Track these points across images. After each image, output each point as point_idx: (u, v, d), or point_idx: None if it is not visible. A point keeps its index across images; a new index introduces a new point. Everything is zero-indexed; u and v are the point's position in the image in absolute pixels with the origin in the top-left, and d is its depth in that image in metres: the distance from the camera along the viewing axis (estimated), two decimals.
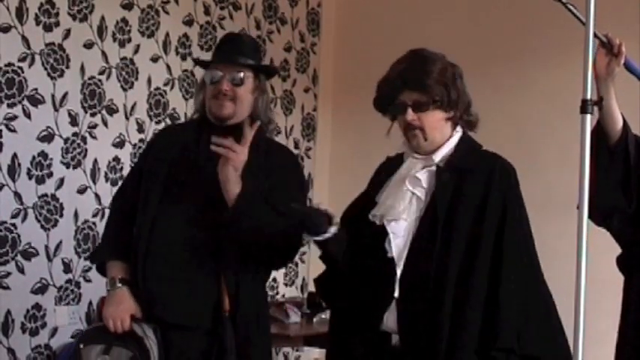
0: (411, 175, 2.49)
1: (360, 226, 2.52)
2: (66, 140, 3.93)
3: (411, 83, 2.43)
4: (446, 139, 2.50)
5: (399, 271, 2.41)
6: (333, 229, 2.43)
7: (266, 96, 2.85)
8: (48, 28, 3.84)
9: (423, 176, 2.47)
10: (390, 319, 2.43)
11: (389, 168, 2.59)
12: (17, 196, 3.74)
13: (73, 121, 3.96)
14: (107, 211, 4.06)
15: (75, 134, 3.97)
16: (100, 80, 4.07)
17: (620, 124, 2.57)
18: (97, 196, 4.08)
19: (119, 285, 2.73)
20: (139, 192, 2.79)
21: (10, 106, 3.70)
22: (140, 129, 4.28)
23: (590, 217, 2.15)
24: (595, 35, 2.30)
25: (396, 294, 2.40)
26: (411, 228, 2.44)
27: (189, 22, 4.53)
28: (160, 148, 2.86)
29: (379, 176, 2.62)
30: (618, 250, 2.76)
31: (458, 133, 2.52)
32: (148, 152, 2.91)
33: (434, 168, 2.47)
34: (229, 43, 2.84)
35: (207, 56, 4.58)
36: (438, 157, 2.48)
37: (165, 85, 4.41)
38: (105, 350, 2.67)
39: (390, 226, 2.44)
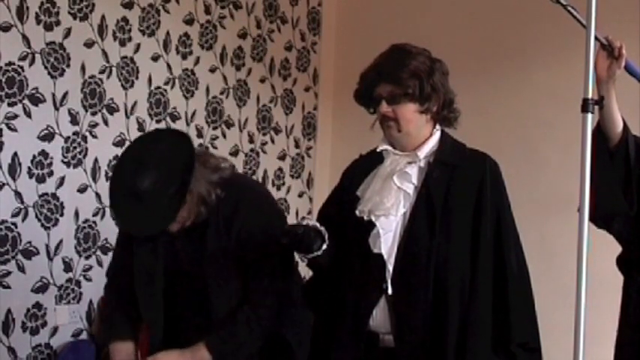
0: (398, 170, 2.49)
1: (341, 222, 2.52)
2: (66, 139, 3.93)
3: (386, 76, 2.48)
4: (423, 134, 2.53)
5: (390, 267, 2.41)
6: (324, 246, 2.43)
7: (204, 188, 2.64)
8: (48, 27, 3.84)
9: (413, 171, 2.48)
10: (379, 317, 2.43)
11: (365, 165, 2.61)
12: (18, 195, 3.74)
13: (74, 120, 3.96)
14: (108, 210, 4.07)
15: (75, 133, 3.97)
16: (100, 79, 4.07)
17: (620, 126, 2.57)
18: (97, 195, 4.08)
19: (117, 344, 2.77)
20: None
21: (10, 105, 3.70)
22: (141, 128, 4.27)
23: (590, 219, 2.15)
24: (595, 38, 2.30)
25: (390, 291, 2.41)
26: (399, 223, 2.45)
27: (189, 21, 4.53)
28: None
29: (354, 173, 2.63)
30: (618, 250, 2.76)
31: (438, 130, 2.56)
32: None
33: (422, 164, 2.49)
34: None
35: (207, 55, 4.60)
36: (422, 153, 2.50)
37: (166, 84, 4.41)
38: None
39: (379, 221, 2.44)
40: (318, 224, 2.43)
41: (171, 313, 2.77)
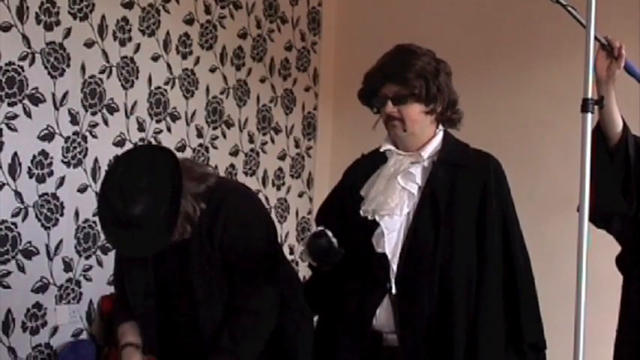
0: (402, 170, 2.49)
1: (343, 221, 2.52)
2: (66, 139, 3.93)
3: (392, 76, 2.47)
4: (427, 134, 2.53)
5: (394, 267, 2.41)
6: (336, 260, 2.41)
7: (190, 205, 2.64)
8: (48, 27, 3.84)
9: (417, 171, 2.48)
10: (382, 317, 2.43)
11: (368, 164, 2.60)
12: (18, 195, 3.75)
13: (74, 119, 3.96)
14: None
15: (75, 133, 3.97)
16: (100, 79, 4.07)
17: (620, 126, 2.57)
18: (97, 195, 4.07)
19: (127, 349, 2.78)
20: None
21: (10, 105, 3.70)
22: (141, 128, 4.28)
23: (590, 219, 2.16)
24: (595, 38, 2.30)
25: (394, 291, 2.40)
26: (403, 223, 2.45)
27: (189, 21, 4.53)
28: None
29: (357, 172, 2.62)
30: (618, 250, 2.76)
31: (441, 131, 2.56)
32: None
33: (426, 164, 2.49)
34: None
35: (207, 55, 4.60)
36: (426, 153, 2.50)
37: (166, 84, 4.41)
38: None
39: (383, 221, 2.44)
40: (331, 234, 2.40)
41: (165, 324, 2.79)
